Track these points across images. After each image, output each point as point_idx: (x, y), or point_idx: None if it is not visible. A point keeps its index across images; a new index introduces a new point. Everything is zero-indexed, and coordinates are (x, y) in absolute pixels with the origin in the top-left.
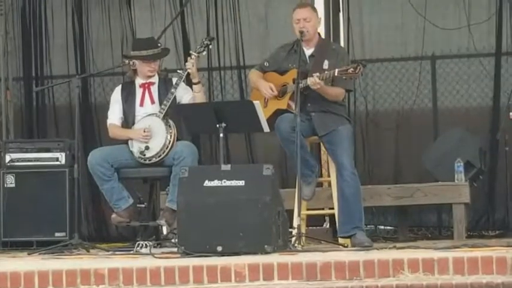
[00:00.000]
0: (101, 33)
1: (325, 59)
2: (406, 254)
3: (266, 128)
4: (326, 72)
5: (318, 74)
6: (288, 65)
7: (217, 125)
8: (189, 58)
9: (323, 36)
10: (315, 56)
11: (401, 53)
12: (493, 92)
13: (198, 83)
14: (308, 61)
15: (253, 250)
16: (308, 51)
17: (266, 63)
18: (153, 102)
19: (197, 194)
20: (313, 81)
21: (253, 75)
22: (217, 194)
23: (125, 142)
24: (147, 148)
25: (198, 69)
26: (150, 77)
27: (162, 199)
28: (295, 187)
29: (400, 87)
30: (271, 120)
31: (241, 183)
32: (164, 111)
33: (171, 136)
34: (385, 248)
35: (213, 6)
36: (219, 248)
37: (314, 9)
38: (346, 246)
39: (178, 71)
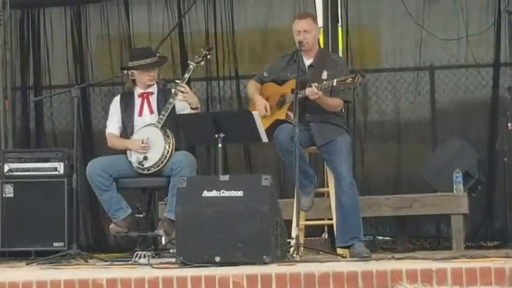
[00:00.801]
0: (100, 43)
1: (324, 69)
2: (404, 265)
3: (265, 139)
4: (325, 82)
5: (316, 84)
6: (287, 74)
7: (216, 135)
8: (176, 89)
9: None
10: (314, 66)
11: (400, 63)
12: (492, 102)
13: (197, 109)
14: (307, 71)
15: (252, 260)
16: (307, 61)
17: (265, 74)
18: (151, 112)
19: (195, 204)
20: (312, 91)
21: (251, 87)
22: (216, 204)
23: (124, 152)
24: (145, 158)
25: (197, 79)
26: (149, 86)
27: (161, 209)
28: (293, 197)
29: (399, 97)
30: (270, 131)
31: (240, 193)
32: (162, 121)
33: (169, 146)
34: (384, 258)
35: (212, 17)
36: (217, 259)
37: (314, 20)
38: (345, 257)
39: (176, 81)
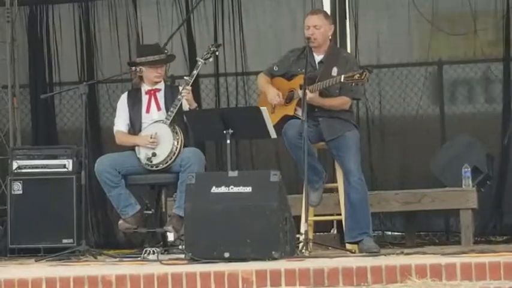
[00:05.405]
0: (108, 40)
1: (334, 66)
2: (413, 260)
3: (273, 134)
4: (323, 81)
5: (312, 85)
6: (297, 69)
7: (224, 132)
8: (184, 85)
9: None
10: (324, 62)
11: (408, 58)
12: (501, 97)
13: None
14: (317, 67)
15: (261, 256)
16: (318, 57)
17: (275, 68)
18: (159, 108)
19: (204, 200)
20: (310, 97)
21: (262, 80)
22: (225, 200)
23: (132, 149)
24: (154, 155)
25: (205, 76)
26: (156, 83)
27: (169, 205)
28: (302, 193)
29: (407, 92)
30: (278, 126)
31: (249, 189)
32: (171, 118)
33: (178, 143)
34: (393, 253)
35: (220, 13)
36: (226, 254)
37: (326, 17)
38: (354, 252)
39: (185, 77)
